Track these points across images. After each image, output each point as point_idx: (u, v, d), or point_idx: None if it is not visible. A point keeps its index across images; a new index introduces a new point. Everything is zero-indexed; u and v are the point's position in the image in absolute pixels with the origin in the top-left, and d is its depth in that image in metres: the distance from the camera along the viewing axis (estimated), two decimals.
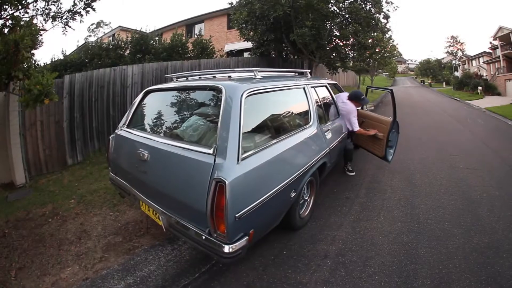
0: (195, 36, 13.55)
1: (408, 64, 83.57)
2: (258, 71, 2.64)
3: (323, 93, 3.67)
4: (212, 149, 1.87)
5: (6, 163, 4.38)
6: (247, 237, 1.87)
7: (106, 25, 23.88)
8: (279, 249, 2.57)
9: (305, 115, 2.96)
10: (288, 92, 2.83)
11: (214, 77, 2.68)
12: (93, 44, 10.13)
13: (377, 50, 12.37)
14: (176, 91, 2.83)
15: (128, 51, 10.14)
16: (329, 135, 3.22)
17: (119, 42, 10.07)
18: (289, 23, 9.70)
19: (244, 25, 10.89)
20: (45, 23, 4.18)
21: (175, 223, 2.08)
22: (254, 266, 2.37)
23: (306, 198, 3.00)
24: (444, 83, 38.48)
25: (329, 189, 3.84)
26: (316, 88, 3.36)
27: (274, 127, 2.51)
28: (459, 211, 3.13)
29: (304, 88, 3.04)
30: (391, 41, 16.26)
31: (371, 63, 14.14)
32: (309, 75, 3.84)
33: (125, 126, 2.86)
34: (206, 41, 11.44)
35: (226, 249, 1.76)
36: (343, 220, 2.97)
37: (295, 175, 2.38)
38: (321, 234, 2.75)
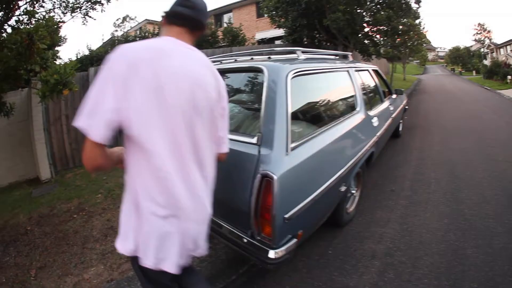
0: (225, 25, 13.52)
1: (438, 51, 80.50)
2: (301, 51, 2.32)
3: (367, 77, 3.35)
4: (255, 138, 1.60)
5: (31, 159, 4.36)
6: (295, 240, 1.59)
7: (132, 19, 24.08)
8: (324, 248, 2.35)
9: (351, 100, 2.66)
10: (333, 75, 2.52)
11: (252, 58, 2.37)
12: (119, 37, 10.13)
13: (412, 35, 11.69)
14: None
15: None
16: (376, 122, 2.92)
17: (146, 34, 10.01)
18: (321, 8, 9.34)
19: (274, 11, 10.66)
20: (64, 15, 4.02)
21: (213, 223, 1.80)
22: (297, 268, 2.14)
23: (353, 191, 2.72)
24: (474, 71, 37.27)
25: (372, 181, 3.59)
26: (359, 72, 3.05)
27: (322, 113, 2.23)
28: (502, 207, 2.87)
29: (348, 71, 2.73)
30: (421, 27, 15.50)
31: (403, 50, 13.46)
32: (350, 58, 3.52)
33: None
34: (236, 29, 11.33)
35: (271, 254, 1.48)
36: (389, 215, 2.78)
37: (346, 167, 2.09)
38: (368, 231, 2.56)
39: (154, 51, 0.95)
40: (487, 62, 34.83)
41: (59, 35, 9.83)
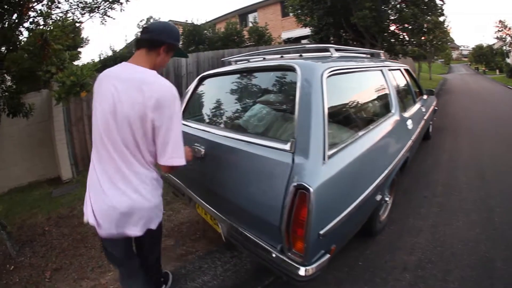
0: (250, 24, 13.53)
1: (462, 50, 78.17)
2: (335, 49, 2.14)
3: (399, 77, 3.15)
4: (289, 145, 1.44)
5: (52, 159, 4.37)
6: (328, 256, 1.44)
7: (156, 20, 24.38)
8: (354, 259, 2.23)
9: (385, 101, 2.48)
10: (368, 75, 2.36)
11: (282, 56, 2.22)
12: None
13: (437, 33, 11.24)
14: (237, 75, 2.39)
15: (180, 43, 10.14)
16: (410, 125, 2.73)
17: None
18: (347, 6, 9.16)
19: (299, 10, 10.52)
20: (82, 16, 3.97)
21: (238, 233, 1.69)
22: (327, 281, 2.03)
23: (387, 199, 2.54)
24: (497, 70, 36.45)
25: (404, 186, 3.43)
26: (392, 71, 2.87)
27: (358, 116, 2.07)
28: None
29: (382, 71, 2.55)
30: (446, 25, 15.00)
31: (428, 49, 13.01)
32: (382, 57, 3.31)
33: None
34: (262, 28, 11.27)
35: (302, 271, 1.33)
36: (422, 224, 2.66)
37: (384, 175, 1.93)
38: (400, 241, 2.43)
39: (107, 74, 1.36)
40: (509, 60, 34.37)
41: (81, 36, 10.05)
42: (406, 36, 10.19)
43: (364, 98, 2.26)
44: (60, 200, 3.58)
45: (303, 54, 2.11)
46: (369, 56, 3.02)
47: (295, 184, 1.30)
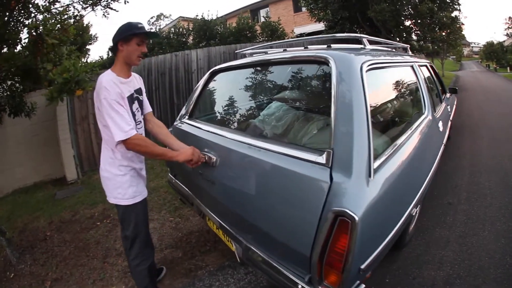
0: (262, 19, 13.38)
1: (472, 47, 76.94)
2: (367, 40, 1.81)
3: (426, 73, 2.85)
4: (324, 156, 1.14)
5: (57, 159, 4.27)
6: (363, 286, 1.19)
7: (167, 17, 24.15)
8: (381, 276, 2.06)
9: (418, 101, 2.23)
10: (401, 71, 2.10)
11: (306, 48, 1.93)
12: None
13: (454, 28, 10.87)
14: (254, 69, 2.12)
15: (191, 38, 9.90)
16: (441, 127, 2.48)
17: (181, 29, 9.84)
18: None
19: (313, 4, 10.30)
20: (84, 10, 3.77)
21: (256, 257, 1.43)
22: None
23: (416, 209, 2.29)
24: (508, 68, 35.74)
25: (429, 192, 3.18)
26: (421, 67, 2.58)
27: (395, 118, 1.83)
28: None
29: (412, 66, 2.29)
30: (460, 21, 14.65)
31: (442, 45, 12.66)
32: (410, 52, 3.03)
33: (187, 117, 2.26)
34: (275, 23, 11.03)
35: None
36: (449, 234, 2.52)
37: (424, 186, 1.70)
38: (427, 254, 2.27)
39: None
40: None
41: (89, 33, 9.95)
42: (420, 32, 9.92)
43: (400, 97, 2.02)
44: (63, 203, 3.46)
45: (332, 45, 1.77)
46: (399, 50, 2.75)
47: (334, 209, 1.02)
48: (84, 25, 8.82)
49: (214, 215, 1.75)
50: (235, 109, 2.22)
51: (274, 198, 1.29)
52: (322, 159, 1.14)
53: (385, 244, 1.23)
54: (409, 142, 1.60)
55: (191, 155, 1.57)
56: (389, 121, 1.70)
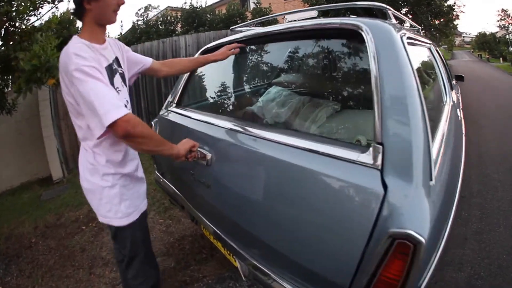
0: (253, 5, 13.05)
1: (464, 37, 77.61)
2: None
3: (439, 58, 2.52)
4: (369, 154, 0.84)
5: (43, 157, 4.03)
6: None
7: (155, 8, 23.70)
8: None
9: (439, 86, 1.97)
10: (425, 51, 1.83)
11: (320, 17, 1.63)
12: (140, 25, 9.74)
13: (451, 18, 10.73)
14: (254, 45, 1.75)
15: (179, 26, 9.58)
16: (459, 115, 2.27)
17: (169, 18, 9.51)
18: None
19: None
20: None
21: (266, 279, 1.11)
22: None
23: None
24: (501, 58, 36.22)
25: None
26: (437, 50, 2.34)
27: (429, 104, 1.51)
28: None
29: (430, 48, 2.02)
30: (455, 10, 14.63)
31: (435, 33, 12.56)
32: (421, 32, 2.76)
33: (174, 105, 1.93)
34: (266, 9, 10.78)
35: None
36: (465, 230, 2.45)
37: (459, 185, 1.50)
38: (447, 253, 2.17)
39: None
40: None
41: (76, 26, 9.57)
42: (414, 20, 9.78)
43: (429, 80, 1.74)
44: (47, 205, 3.25)
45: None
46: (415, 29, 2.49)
47: (394, 232, 0.72)
48: (71, 18, 8.47)
49: (210, 224, 1.44)
50: (231, 95, 1.93)
51: (293, 210, 0.98)
52: (368, 157, 0.83)
53: (438, 260, 0.97)
54: (446, 131, 1.35)
55: (192, 142, 1.24)
56: (428, 110, 1.46)
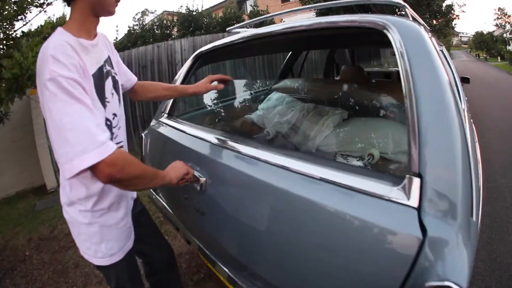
0: (250, 8, 13.12)
1: (461, 37, 77.92)
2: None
3: (450, 60, 2.40)
4: (404, 187, 0.67)
5: (38, 165, 3.95)
6: None
7: (152, 12, 23.68)
8: None
9: (456, 89, 1.77)
10: (442, 52, 1.65)
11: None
12: (136, 30, 9.64)
13: (450, 18, 10.70)
14: (252, 48, 1.62)
15: (176, 30, 9.49)
16: (471, 121, 2.13)
17: (165, 22, 9.42)
18: None
19: None
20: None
21: None
22: None
23: None
24: (498, 57, 36.37)
25: None
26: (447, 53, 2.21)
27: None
28: None
29: (443, 50, 1.84)
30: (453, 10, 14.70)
31: (433, 34, 12.66)
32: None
33: (165, 115, 1.70)
34: (263, 12, 10.79)
35: None
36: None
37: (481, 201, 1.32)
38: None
39: None
40: (510, 47, 34.64)
41: None
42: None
43: (458, 92, 1.58)
44: (41, 216, 3.15)
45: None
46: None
47: (431, 284, 0.59)
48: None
49: (208, 252, 1.24)
50: (229, 103, 1.78)
51: (302, 254, 0.82)
52: (401, 193, 0.66)
53: None
54: (471, 147, 1.21)
55: (186, 168, 1.06)
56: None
